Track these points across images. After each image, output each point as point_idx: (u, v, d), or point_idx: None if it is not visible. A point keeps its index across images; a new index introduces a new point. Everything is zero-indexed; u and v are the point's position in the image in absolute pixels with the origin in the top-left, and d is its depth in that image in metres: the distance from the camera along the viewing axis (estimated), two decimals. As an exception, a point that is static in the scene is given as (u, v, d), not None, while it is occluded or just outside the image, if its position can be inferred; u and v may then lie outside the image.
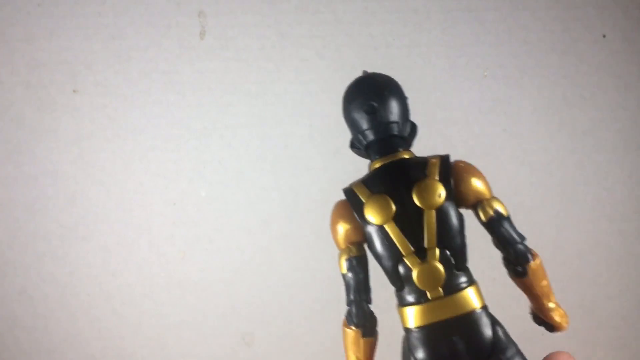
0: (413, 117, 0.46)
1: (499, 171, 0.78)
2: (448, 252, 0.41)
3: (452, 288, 0.40)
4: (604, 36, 0.80)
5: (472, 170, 0.44)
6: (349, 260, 0.43)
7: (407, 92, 0.46)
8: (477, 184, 0.43)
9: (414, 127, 0.46)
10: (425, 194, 0.41)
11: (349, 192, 0.44)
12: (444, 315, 0.40)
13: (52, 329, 0.77)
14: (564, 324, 0.44)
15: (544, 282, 0.43)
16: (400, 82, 0.46)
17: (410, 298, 0.41)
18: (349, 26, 0.78)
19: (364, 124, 0.44)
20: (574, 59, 0.80)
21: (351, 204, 0.43)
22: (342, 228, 0.43)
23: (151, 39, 0.77)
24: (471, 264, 0.42)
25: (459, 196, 0.42)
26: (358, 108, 0.44)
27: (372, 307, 0.43)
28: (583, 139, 0.81)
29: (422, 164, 0.43)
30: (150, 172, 0.77)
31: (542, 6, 0.80)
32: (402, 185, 0.42)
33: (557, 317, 0.44)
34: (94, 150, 0.77)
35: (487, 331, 0.40)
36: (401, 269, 0.41)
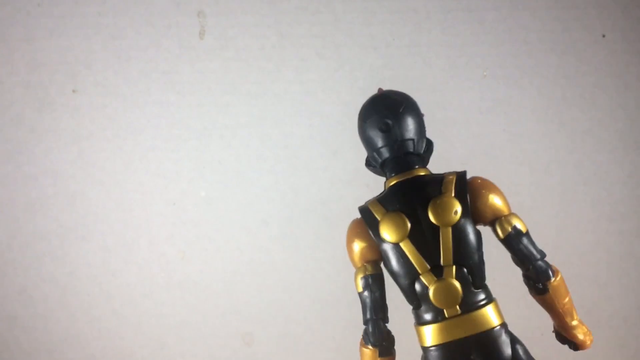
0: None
1: (499, 171, 0.78)
2: (465, 270, 0.41)
3: (469, 306, 0.40)
4: (604, 36, 0.80)
5: (489, 187, 0.43)
6: (364, 278, 0.42)
7: (407, 92, 0.46)
8: (494, 200, 0.43)
9: (429, 144, 0.46)
10: (441, 211, 0.41)
11: (364, 210, 0.44)
12: (462, 334, 0.40)
13: (52, 329, 0.77)
14: (588, 342, 0.44)
15: (566, 299, 0.43)
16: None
17: (427, 316, 0.41)
18: (349, 26, 0.78)
19: (379, 142, 0.44)
20: (574, 59, 0.80)
21: (366, 222, 0.43)
22: (358, 246, 0.43)
23: (151, 39, 0.77)
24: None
25: (475, 213, 0.42)
26: (373, 126, 0.44)
27: (389, 325, 0.43)
28: (583, 139, 0.80)
29: (438, 180, 0.43)
30: (150, 172, 0.77)
31: (542, 6, 0.80)
32: (418, 203, 0.42)
33: (580, 335, 0.44)
34: (93, 150, 0.77)
35: (507, 349, 0.40)
36: (417, 287, 0.41)
